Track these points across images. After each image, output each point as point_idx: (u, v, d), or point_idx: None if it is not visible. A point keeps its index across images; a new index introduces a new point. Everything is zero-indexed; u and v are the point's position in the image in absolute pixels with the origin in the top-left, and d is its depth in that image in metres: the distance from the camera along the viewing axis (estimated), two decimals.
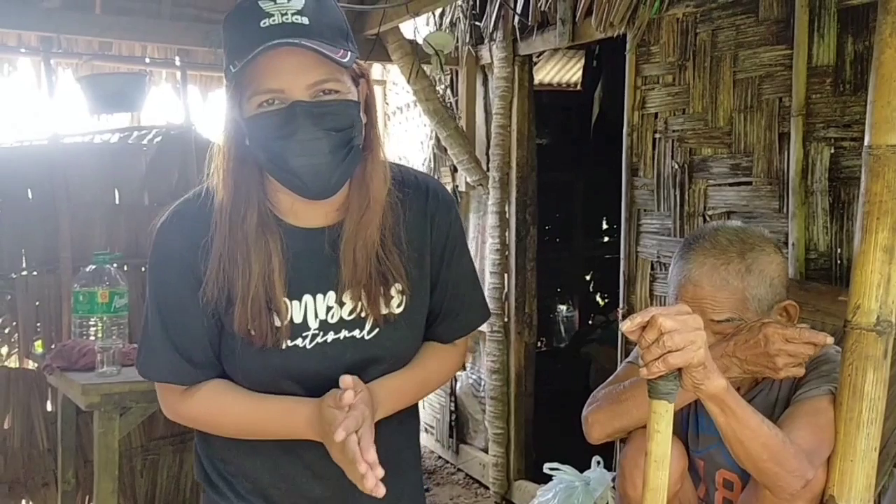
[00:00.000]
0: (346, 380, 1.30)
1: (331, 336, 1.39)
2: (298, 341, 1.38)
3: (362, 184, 1.38)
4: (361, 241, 1.37)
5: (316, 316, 1.39)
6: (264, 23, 1.26)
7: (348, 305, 1.40)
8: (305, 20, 1.27)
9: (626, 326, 1.31)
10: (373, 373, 1.43)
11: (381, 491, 1.26)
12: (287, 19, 1.26)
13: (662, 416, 1.29)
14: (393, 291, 1.41)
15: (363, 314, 1.40)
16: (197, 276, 1.36)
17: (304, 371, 1.39)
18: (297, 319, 1.38)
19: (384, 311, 1.41)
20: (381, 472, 1.27)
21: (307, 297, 1.38)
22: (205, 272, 1.35)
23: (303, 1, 1.28)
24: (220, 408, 1.41)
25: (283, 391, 1.40)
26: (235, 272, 1.34)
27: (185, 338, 1.38)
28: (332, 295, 1.39)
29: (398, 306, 1.42)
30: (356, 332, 1.41)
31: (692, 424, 1.87)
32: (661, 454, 1.30)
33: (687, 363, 1.29)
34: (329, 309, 1.39)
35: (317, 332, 1.39)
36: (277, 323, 1.36)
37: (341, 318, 1.40)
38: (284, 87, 1.27)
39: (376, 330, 1.42)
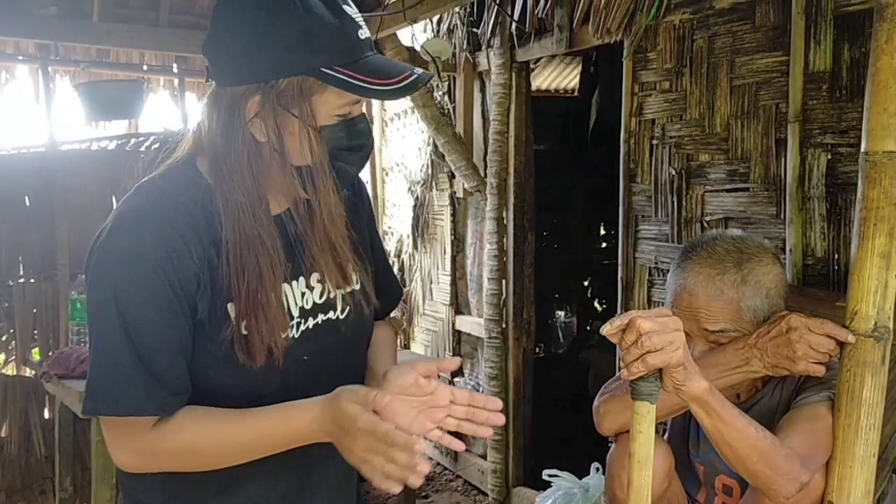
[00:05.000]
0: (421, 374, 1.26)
1: (311, 322, 1.37)
2: (288, 332, 1.33)
3: None
4: (337, 218, 1.36)
5: (295, 303, 1.35)
6: (361, 34, 1.26)
7: (317, 289, 1.38)
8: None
9: (607, 329, 1.34)
10: (350, 353, 1.44)
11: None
12: (367, 33, 1.28)
13: (644, 417, 1.32)
14: (349, 270, 1.42)
15: (332, 295, 1.40)
16: (174, 284, 1.23)
17: (294, 361, 1.33)
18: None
19: (348, 289, 1.41)
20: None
21: (284, 286, 1.34)
22: (192, 276, 1.25)
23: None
24: (209, 433, 1.26)
25: (269, 389, 1.31)
26: (239, 269, 1.27)
27: (162, 360, 1.24)
28: (302, 280, 1.36)
29: (356, 283, 1.43)
30: (331, 315, 1.40)
31: (693, 429, 1.88)
32: (644, 455, 1.32)
33: (666, 363, 1.33)
34: (303, 295, 1.37)
35: (299, 319, 1.35)
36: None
37: (315, 303, 1.38)
38: (362, 99, 1.29)
39: (347, 308, 1.42)
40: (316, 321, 1.38)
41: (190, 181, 1.31)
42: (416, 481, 1.20)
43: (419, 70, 1.26)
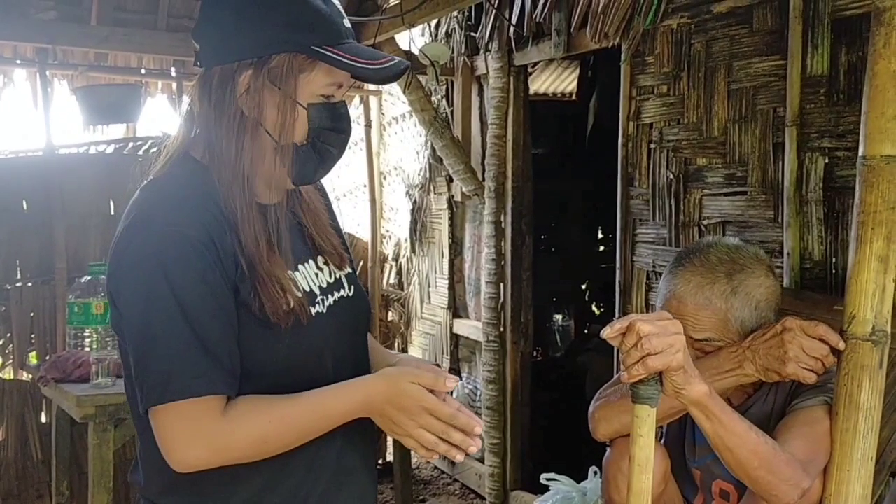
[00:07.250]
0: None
1: (331, 298, 1.41)
2: (317, 308, 1.36)
3: None
4: (319, 203, 1.46)
5: (314, 283, 1.39)
6: (345, 22, 1.33)
7: (325, 269, 1.43)
8: None
9: (607, 333, 1.35)
10: (363, 332, 1.50)
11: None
12: (349, 24, 1.35)
13: (645, 421, 1.33)
14: (342, 251, 1.48)
15: (337, 275, 1.45)
16: (219, 266, 1.24)
17: (332, 336, 1.37)
18: (306, 288, 1.36)
19: (345, 271, 1.47)
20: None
21: (301, 267, 1.38)
22: (232, 256, 1.26)
23: None
24: (276, 418, 1.25)
25: (316, 366, 1.33)
26: (258, 250, 1.28)
27: (221, 342, 1.23)
28: (311, 263, 1.41)
29: (349, 266, 1.49)
30: (343, 292, 1.44)
31: (689, 434, 1.87)
32: (644, 458, 1.33)
33: (666, 366, 1.33)
34: (317, 275, 1.41)
35: (322, 297, 1.39)
36: (299, 294, 1.32)
37: (328, 282, 1.42)
38: (344, 84, 1.35)
39: (353, 287, 1.47)
40: (335, 298, 1.42)
41: (193, 171, 1.32)
42: (460, 458, 1.27)
43: (398, 57, 1.34)
